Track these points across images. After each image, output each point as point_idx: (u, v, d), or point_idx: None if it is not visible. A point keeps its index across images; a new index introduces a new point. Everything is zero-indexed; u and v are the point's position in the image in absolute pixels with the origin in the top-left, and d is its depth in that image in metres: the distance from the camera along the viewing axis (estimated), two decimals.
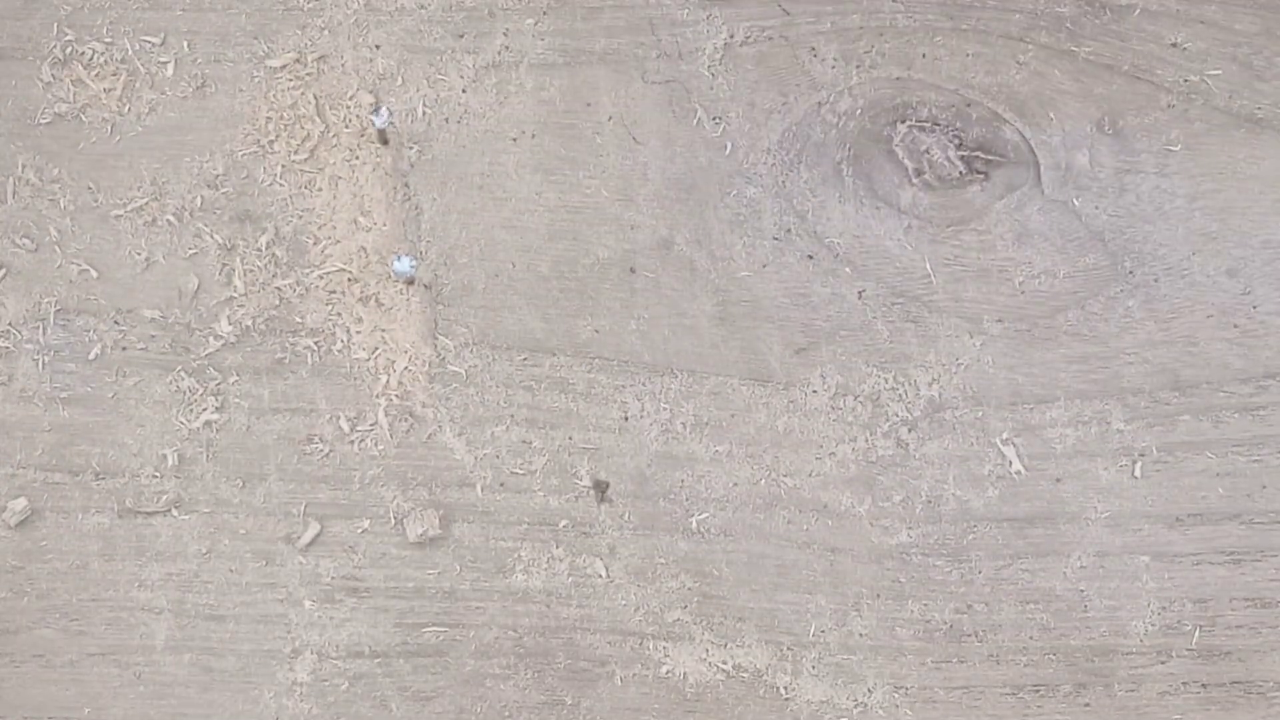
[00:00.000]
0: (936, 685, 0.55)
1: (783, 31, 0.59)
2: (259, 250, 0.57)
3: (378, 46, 0.59)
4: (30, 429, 0.56)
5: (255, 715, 0.55)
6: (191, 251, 0.57)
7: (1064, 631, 0.56)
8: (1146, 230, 0.57)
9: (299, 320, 0.57)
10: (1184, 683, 0.55)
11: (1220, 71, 0.59)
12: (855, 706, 0.55)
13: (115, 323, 0.57)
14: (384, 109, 0.55)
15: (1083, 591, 0.56)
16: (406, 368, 0.57)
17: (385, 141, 0.58)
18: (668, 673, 0.55)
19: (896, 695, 0.55)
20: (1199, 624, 0.56)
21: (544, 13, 0.59)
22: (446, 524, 0.56)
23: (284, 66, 0.59)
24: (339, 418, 0.56)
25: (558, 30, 0.59)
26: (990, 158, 0.58)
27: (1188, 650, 0.55)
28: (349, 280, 0.57)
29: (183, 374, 0.57)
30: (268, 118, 0.58)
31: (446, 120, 0.58)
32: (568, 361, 0.57)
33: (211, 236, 0.57)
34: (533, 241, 0.58)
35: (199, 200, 0.58)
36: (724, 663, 0.55)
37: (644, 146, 0.58)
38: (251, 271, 0.57)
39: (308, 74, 0.59)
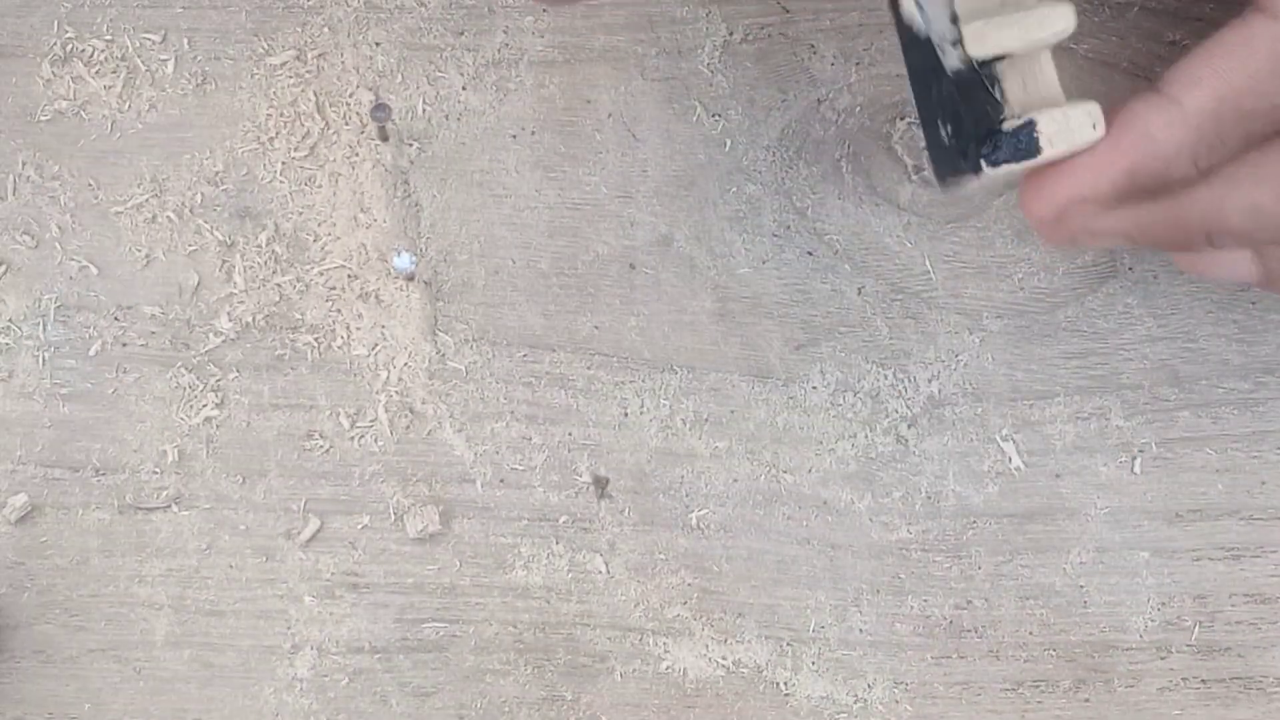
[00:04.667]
0: (936, 681, 0.55)
1: (782, 29, 0.59)
2: (259, 247, 0.57)
3: (378, 44, 0.59)
4: (30, 425, 0.56)
5: (255, 711, 0.55)
6: (191, 248, 0.57)
7: (1064, 627, 0.56)
8: None
9: (299, 317, 0.57)
10: (1184, 678, 0.55)
11: None
12: (855, 702, 0.55)
13: (115, 319, 0.57)
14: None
15: (1082, 587, 0.56)
16: (406, 364, 0.57)
17: (385, 138, 0.58)
18: (668, 668, 0.55)
19: (896, 691, 0.55)
20: (1199, 620, 0.56)
21: (543, 10, 0.59)
22: (446, 520, 0.56)
23: (284, 64, 0.59)
24: (339, 414, 0.57)
25: (557, 27, 0.59)
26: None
27: (1187, 646, 0.56)
28: (349, 277, 0.57)
29: (183, 370, 0.57)
30: (268, 115, 0.58)
31: (446, 117, 0.58)
32: (567, 358, 0.57)
33: (211, 233, 0.57)
34: (532, 238, 0.58)
35: (199, 197, 0.58)
36: (724, 658, 0.55)
37: (643, 143, 0.58)
38: (251, 268, 0.57)
39: (308, 71, 0.59)
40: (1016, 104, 0.45)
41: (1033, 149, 0.44)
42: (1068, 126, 0.44)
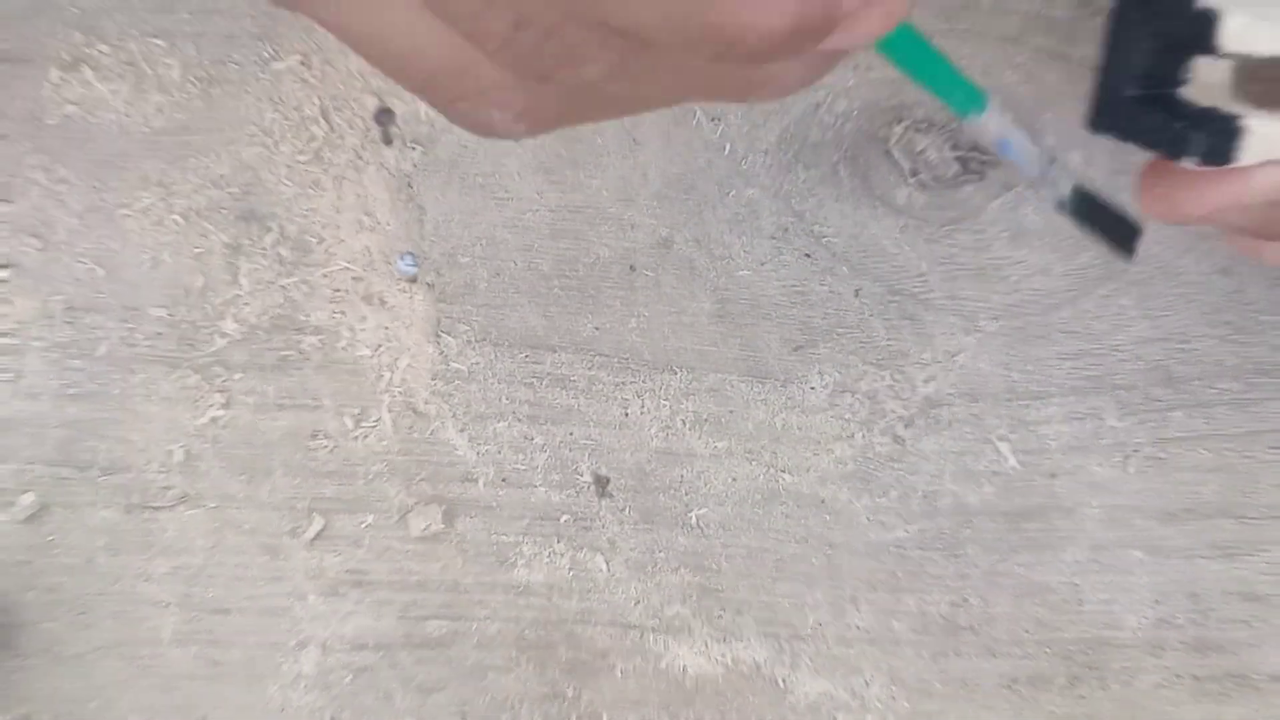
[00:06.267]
0: (933, 678, 0.56)
1: None
2: (264, 250, 0.58)
3: None
4: (38, 425, 0.57)
5: (261, 707, 0.55)
6: (198, 250, 0.58)
7: (1059, 625, 0.56)
8: None
9: (304, 318, 0.58)
10: (1177, 675, 0.56)
11: None
12: (853, 699, 0.56)
13: (122, 320, 0.57)
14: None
15: (1077, 586, 0.56)
16: (410, 365, 0.57)
17: (389, 143, 0.58)
18: (667, 665, 0.56)
19: (893, 687, 0.56)
20: (1192, 617, 0.56)
21: None
22: (449, 519, 0.56)
23: (289, 69, 0.59)
24: (343, 414, 0.57)
25: None
26: (985, 158, 0.58)
27: (1181, 643, 0.56)
28: (353, 279, 0.58)
29: (189, 371, 0.57)
30: (273, 119, 0.59)
31: (449, 122, 0.59)
32: (569, 359, 0.58)
33: (217, 236, 0.58)
34: (534, 241, 0.58)
35: (205, 200, 0.58)
36: (723, 656, 0.56)
37: (643, 147, 0.59)
38: (257, 270, 0.58)
39: (313, 76, 0.59)
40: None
41: (1224, 156, 0.36)
42: (1274, 144, 0.35)
